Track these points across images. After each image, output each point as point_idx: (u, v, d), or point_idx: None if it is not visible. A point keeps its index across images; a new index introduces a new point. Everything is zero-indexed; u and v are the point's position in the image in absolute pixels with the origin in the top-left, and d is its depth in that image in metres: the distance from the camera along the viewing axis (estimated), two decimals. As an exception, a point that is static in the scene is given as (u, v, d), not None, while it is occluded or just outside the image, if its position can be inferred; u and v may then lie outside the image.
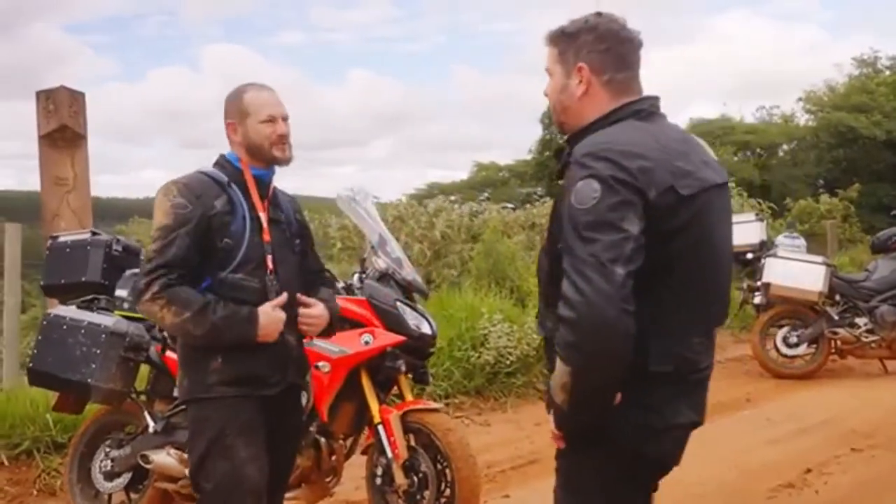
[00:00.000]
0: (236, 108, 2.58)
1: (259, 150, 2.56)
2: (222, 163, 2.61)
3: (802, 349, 7.38)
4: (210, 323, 2.38)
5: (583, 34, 1.90)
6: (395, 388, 3.68)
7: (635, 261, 1.69)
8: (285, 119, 2.60)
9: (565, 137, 1.99)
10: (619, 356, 1.70)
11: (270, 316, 2.46)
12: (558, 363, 1.74)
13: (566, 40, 1.92)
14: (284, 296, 2.52)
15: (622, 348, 1.69)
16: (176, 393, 3.64)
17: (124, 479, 3.73)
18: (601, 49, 1.89)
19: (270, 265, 2.54)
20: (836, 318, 7.30)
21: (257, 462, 2.49)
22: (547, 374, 1.97)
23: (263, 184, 2.62)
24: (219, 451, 2.46)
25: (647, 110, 1.91)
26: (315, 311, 2.66)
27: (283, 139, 2.58)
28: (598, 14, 1.92)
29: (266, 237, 2.55)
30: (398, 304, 3.59)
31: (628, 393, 1.79)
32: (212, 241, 2.45)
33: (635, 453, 1.87)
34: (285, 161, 2.61)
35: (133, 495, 3.75)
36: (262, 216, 2.56)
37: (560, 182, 1.93)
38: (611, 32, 1.90)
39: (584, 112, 1.92)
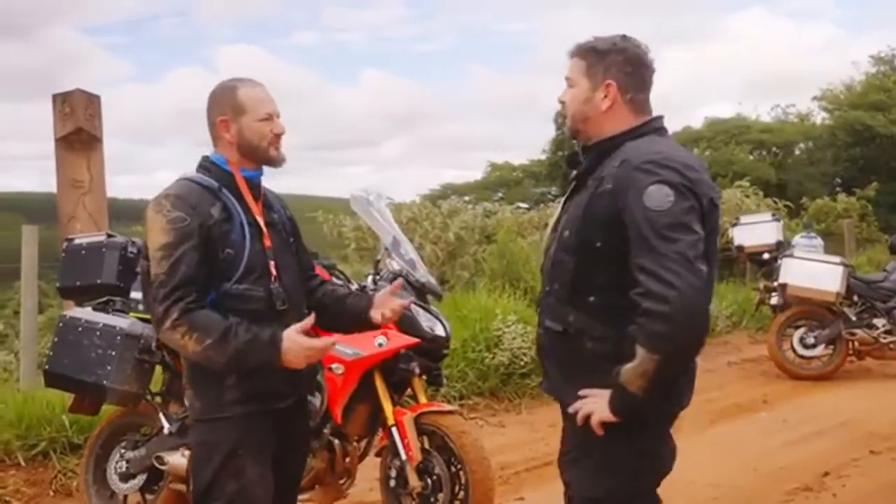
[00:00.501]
0: (230, 104, 2.39)
1: (255, 149, 2.40)
2: (207, 166, 2.42)
3: (820, 350, 7.31)
4: (233, 349, 2.22)
5: (612, 54, 2.09)
6: (409, 389, 3.67)
7: (705, 259, 1.92)
8: (279, 116, 2.45)
9: (580, 146, 2.19)
10: (702, 344, 1.96)
11: (297, 343, 2.25)
12: (642, 352, 1.90)
13: (596, 56, 2.10)
14: (310, 319, 2.34)
15: (705, 337, 1.95)
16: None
17: (139, 480, 3.74)
18: (628, 71, 2.09)
19: (274, 272, 2.39)
20: (854, 318, 7.23)
21: (265, 481, 2.39)
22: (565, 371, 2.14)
23: (254, 186, 2.45)
24: (230, 472, 2.34)
25: (664, 128, 2.15)
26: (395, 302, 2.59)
27: (279, 138, 2.43)
28: (625, 37, 2.12)
29: (267, 243, 2.40)
30: (412, 305, 3.58)
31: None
32: (213, 253, 2.29)
33: (658, 431, 2.14)
34: (281, 161, 2.46)
35: (148, 496, 3.77)
36: (260, 220, 2.41)
37: (571, 183, 2.18)
38: (637, 57, 2.11)
39: (604, 125, 2.11)
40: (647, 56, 2.12)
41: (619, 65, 2.08)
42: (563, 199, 2.27)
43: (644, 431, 2.07)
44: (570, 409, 2.08)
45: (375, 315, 2.58)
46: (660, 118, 2.15)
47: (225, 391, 2.31)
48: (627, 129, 2.09)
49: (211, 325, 2.23)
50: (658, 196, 1.90)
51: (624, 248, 1.96)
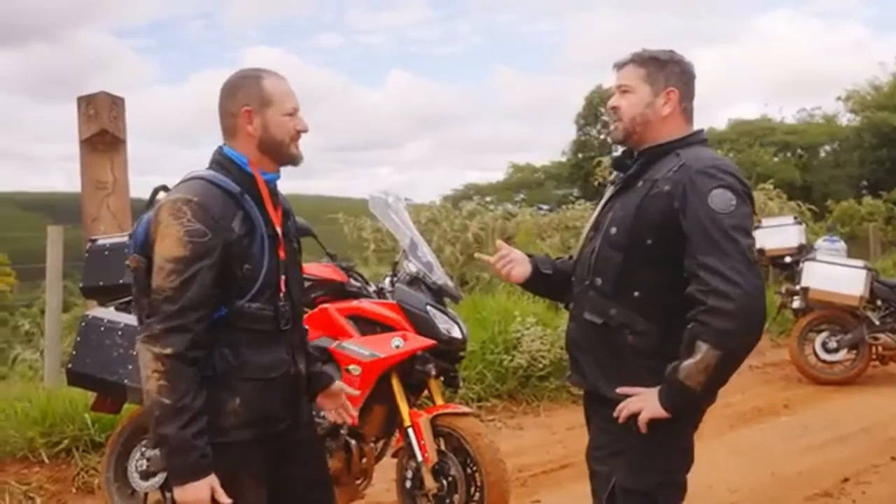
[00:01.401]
0: (256, 94, 2.18)
1: (278, 146, 2.20)
2: (226, 165, 2.19)
3: (842, 355, 7.25)
4: (172, 429, 2.00)
5: (671, 64, 2.23)
6: (426, 391, 3.69)
7: None
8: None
9: (635, 146, 2.28)
10: (758, 340, 2.05)
11: (203, 497, 2.03)
12: (706, 348, 1.97)
13: (656, 65, 2.23)
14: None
15: (761, 334, 2.06)
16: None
17: (159, 478, 3.78)
18: (685, 81, 2.25)
19: (283, 287, 2.23)
20: (878, 323, 7.16)
21: (261, 501, 2.23)
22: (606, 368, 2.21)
23: (274, 191, 2.27)
24: (228, 495, 2.12)
25: (706, 140, 2.29)
26: None
27: (300, 136, 2.25)
28: (671, 52, 2.27)
29: (282, 254, 2.23)
30: (429, 307, 3.60)
31: None
32: (231, 271, 2.10)
33: (691, 425, 2.23)
34: (300, 160, 2.28)
35: (168, 494, 3.80)
36: (279, 231, 2.23)
37: (616, 185, 2.30)
38: (690, 69, 2.27)
39: (663, 130, 2.22)
40: (694, 69, 2.29)
41: (678, 75, 2.23)
42: (603, 201, 2.34)
43: (681, 425, 2.15)
44: (615, 412, 2.14)
45: (324, 405, 2.55)
46: (703, 131, 2.29)
47: (227, 415, 2.13)
48: (679, 136, 2.22)
49: (183, 392, 2.01)
50: (723, 199, 2.03)
51: (673, 248, 2.07)
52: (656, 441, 2.11)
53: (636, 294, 2.15)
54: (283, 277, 2.23)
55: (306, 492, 2.40)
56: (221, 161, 2.20)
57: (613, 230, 2.20)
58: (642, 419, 2.08)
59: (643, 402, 2.09)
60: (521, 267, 2.47)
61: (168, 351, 2.01)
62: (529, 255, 2.52)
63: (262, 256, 2.16)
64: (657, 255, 2.12)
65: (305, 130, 2.25)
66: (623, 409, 2.13)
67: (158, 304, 2.04)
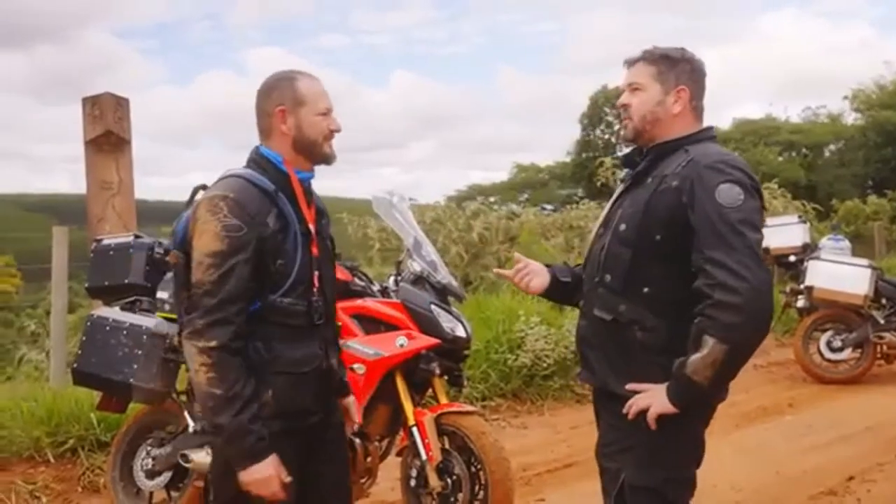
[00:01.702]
0: (291, 94, 2.24)
1: (311, 145, 2.27)
2: (262, 164, 2.26)
3: (846, 354, 7.24)
4: (226, 417, 2.09)
5: (682, 63, 2.24)
6: (430, 390, 3.70)
7: None
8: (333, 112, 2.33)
9: (645, 144, 2.28)
10: (765, 335, 2.06)
11: (264, 475, 2.13)
12: (712, 343, 1.98)
13: (667, 63, 2.24)
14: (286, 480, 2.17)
15: (769, 329, 2.07)
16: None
17: (165, 477, 3.80)
18: (695, 79, 2.26)
19: (317, 283, 2.28)
20: (882, 322, 7.16)
21: (290, 493, 2.25)
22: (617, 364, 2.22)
23: (307, 189, 2.34)
24: None
25: (716, 136, 2.30)
26: None
27: (333, 135, 2.31)
28: (683, 49, 2.27)
29: (315, 251, 2.29)
30: (433, 306, 3.61)
31: None
32: (265, 265, 2.17)
33: (702, 421, 2.24)
34: (333, 159, 2.33)
35: (173, 493, 3.82)
36: (312, 228, 2.29)
37: (626, 182, 2.31)
38: (701, 67, 2.28)
39: (673, 127, 2.24)
40: (704, 66, 2.29)
41: (689, 73, 2.24)
42: (613, 197, 2.36)
43: (690, 421, 2.16)
44: (624, 409, 2.15)
45: None
46: (712, 128, 2.31)
47: (260, 407, 2.16)
48: (689, 133, 2.23)
49: (233, 381, 2.10)
50: (730, 194, 2.03)
51: (682, 243, 2.08)
52: (665, 437, 2.12)
53: (645, 290, 2.16)
54: (316, 274, 2.29)
55: (330, 490, 2.44)
56: (257, 160, 2.27)
57: (623, 227, 2.22)
58: (651, 415, 2.10)
59: (652, 399, 2.10)
60: (539, 278, 2.52)
61: (213, 344, 2.09)
62: (548, 266, 2.56)
63: (296, 252, 2.22)
64: (666, 250, 2.13)
65: (338, 130, 2.31)
66: (632, 406, 2.14)
67: (199, 298, 2.12)
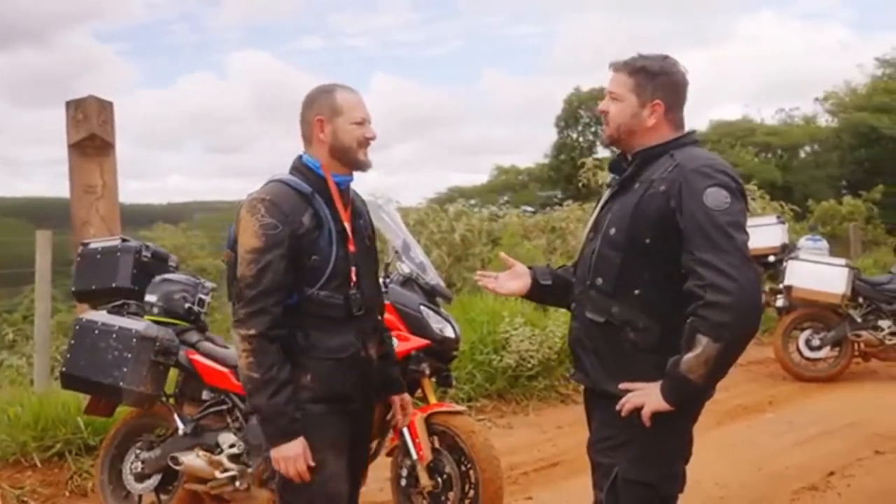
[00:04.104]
0: (328, 105, 2.45)
1: (346, 152, 2.46)
2: (302, 170, 2.47)
3: (825, 352, 7.35)
4: (262, 399, 2.30)
5: (661, 76, 2.27)
6: (419, 390, 3.73)
7: None
8: (370, 122, 2.51)
9: (624, 151, 2.35)
10: (755, 333, 2.12)
11: (295, 454, 2.33)
12: (705, 341, 2.03)
13: (646, 77, 2.28)
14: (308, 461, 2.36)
15: (758, 327, 2.13)
16: (206, 396, 3.74)
17: (154, 480, 3.81)
18: (673, 93, 2.29)
19: (354, 278, 2.46)
20: (860, 320, 7.26)
21: (344, 478, 2.46)
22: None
23: (344, 191, 2.51)
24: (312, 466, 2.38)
25: (699, 141, 2.35)
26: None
27: (368, 142, 2.49)
28: (666, 57, 2.31)
29: (351, 248, 2.47)
30: (422, 307, 3.64)
31: None
32: (300, 260, 2.37)
33: (691, 418, 2.31)
34: (367, 166, 2.51)
35: (163, 496, 3.83)
36: (347, 227, 2.47)
37: (613, 186, 2.35)
38: (681, 80, 2.31)
39: (647, 138, 2.29)
40: (685, 77, 2.32)
41: (666, 87, 2.28)
42: (601, 202, 2.41)
43: (682, 418, 2.23)
44: (618, 406, 2.20)
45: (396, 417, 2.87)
46: (695, 132, 2.35)
47: (300, 389, 2.37)
48: (672, 139, 2.28)
49: (269, 366, 2.30)
50: (717, 197, 2.09)
51: (671, 246, 2.13)
52: (658, 433, 2.18)
53: (636, 292, 2.22)
54: (353, 269, 2.46)
55: (352, 478, 2.58)
56: (298, 166, 2.49)
57: (612, 231, 2.27)
58: (646, 413, 2.15)
59: (646, 397, 2.16)
60: (519, 281, 2.59)
61: (252, 331, 2.31)
62: (529, 268, 2.61)
63: (331, 249, 2.41)
64: (655, 253, 2.18)
65: (373, 137, 2.50)
66: (626, 404, 2.19)
67: (241, 290, 2.34)
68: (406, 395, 2.81)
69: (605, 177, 2.55)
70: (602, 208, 2.38)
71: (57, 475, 4.50)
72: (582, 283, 2.38)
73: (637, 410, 2.16)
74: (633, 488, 2.23)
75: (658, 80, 2.27)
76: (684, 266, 2.10)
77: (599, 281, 2.29)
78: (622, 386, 2.22)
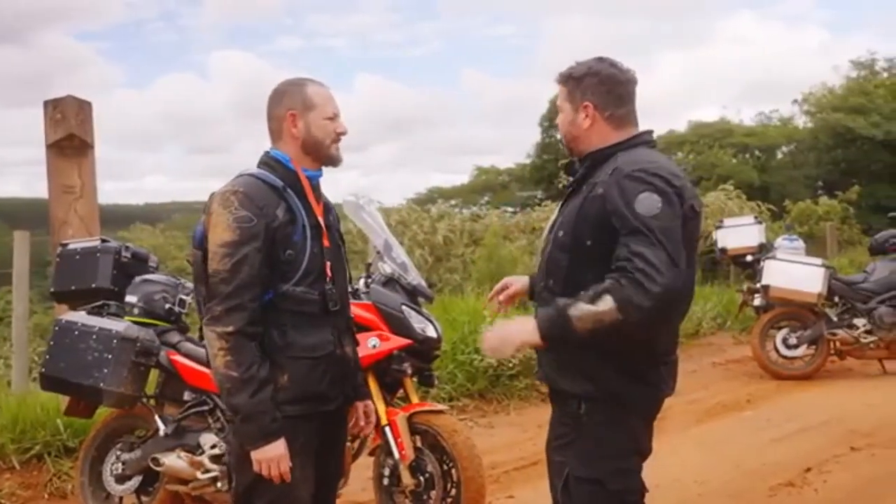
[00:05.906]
0: (300, 99, 2.40)
1: (318, 146, 2.42)
2: (272, 164, 2.41)
3: (802, 350, 7.43)
4: (242, 399, 2.23)
5: (587, 77, 2.29)
6: (401, 390, 3.74)
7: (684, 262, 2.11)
8: (340, 117, 2.48)
9: (578, 157, 2.39)
10: (663, 330, 2.21)
11: (279, 455, 2.27)
12: (611, 305, 2.02)
13: (574, 83, 2.31)
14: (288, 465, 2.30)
15: (672, 326, 2.27)
16: (187, 396, 3.72)
17: (135, 481, 3.79)
18: (603, 91, 2.29)
19: (329, 273, 2.41)
20: (836, 319, 7.35)
21: (308, 483, 2.40)
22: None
23: (316, 186, 2.48)
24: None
25: (653, 141, 2.35)
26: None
27: (340, 138, 2.46)
28: (600, 59, 2.32)
29: (326, 243, 2.42)
30: (404, 307, 3.65)
31: (643, 372, 2.24)
32: (276, 254, 2.31)
33: (646, 414, 2.34)
34: (340, 161, 2.49)
35: (144, 498, 3.81)
36: (321, 221, 2.42)
37: (567, 189, 2.39)
38: (610, 77, 2.30)
39: (591, 140, 2.31)
40: (622, 74, 2.31)
41: (595, 86, 2.29)
42: (560, 204, 2.45)
43: (629, 415, 2.27)
44: (483, 348, 2.29)
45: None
46: (649, 132, 2.35)
47: (277, 391, 2.30)
48: (617, 141, 2.28)
49: (248, 364, 2.24)
50: (648, 203, 2.09)
51: (611, 248, 2.12)
52: (607, 430, 2.22)
53: (583, 293, 2.18)
54: (328, 264, 2.42)
55: (324, 482, 2.53)
56: (267, 161, 2.43)
57: (561, 233, 2.31)
58: (514, 341, 2.18)
59: (520, 325, 2.18)
60: (519, 282, 2.70)
61: (230, 329, 2.24)
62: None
63: (305, 244, 2.36)
64: (597, 255, 2.18)
65: (345, 133, 2.47)
66: (491, 337, 2.23)
67: (215, 286, 2.27)
68: (370, 403, 2.72)
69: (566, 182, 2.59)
70: (559, 210, 2.42)
71: (36, 477, 4.47)
72: (538, 283, 2.43)
73: (577, 399, 2.24)
74: (582, 485, 2.26)
75: (584, 83, 2.29)
76: (618, 256, 2.08)
77: (551, 282, 2.32)
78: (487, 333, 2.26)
